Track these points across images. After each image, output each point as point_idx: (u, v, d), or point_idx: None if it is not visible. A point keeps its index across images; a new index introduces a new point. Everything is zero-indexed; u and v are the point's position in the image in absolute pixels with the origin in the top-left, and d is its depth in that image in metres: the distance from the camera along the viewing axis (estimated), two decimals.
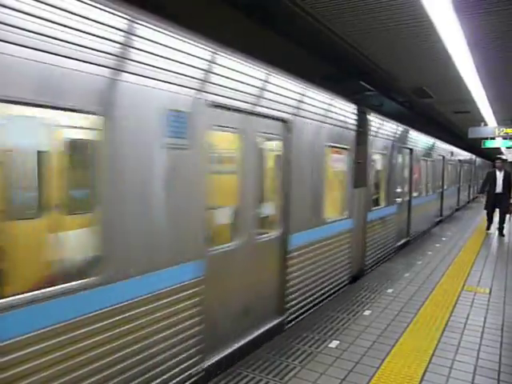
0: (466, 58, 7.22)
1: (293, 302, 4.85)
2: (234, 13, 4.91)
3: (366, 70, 8.27)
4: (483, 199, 12.25)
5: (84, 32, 2.41)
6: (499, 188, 11.36)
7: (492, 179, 11.55)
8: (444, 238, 10.66)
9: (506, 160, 12.86)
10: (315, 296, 5.39)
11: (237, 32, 4.90)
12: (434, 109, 13.32)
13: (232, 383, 3.49)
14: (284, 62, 4.83)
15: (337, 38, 6.39)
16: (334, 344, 4.26)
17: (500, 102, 11.79)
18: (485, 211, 12.04)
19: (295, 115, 4.72)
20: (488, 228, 11.93)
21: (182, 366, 3.24)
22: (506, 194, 11.36)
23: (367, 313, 5.17)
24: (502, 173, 11.47)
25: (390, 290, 6.10)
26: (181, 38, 3.13)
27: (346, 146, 6.17)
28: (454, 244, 9.83)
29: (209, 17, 4.74)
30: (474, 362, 3.93)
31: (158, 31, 2.93)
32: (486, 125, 14.79)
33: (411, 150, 9.98)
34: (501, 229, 11.48)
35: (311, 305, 5.29)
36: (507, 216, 11.58)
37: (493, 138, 15.01)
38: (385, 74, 8.80)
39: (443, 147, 14.31)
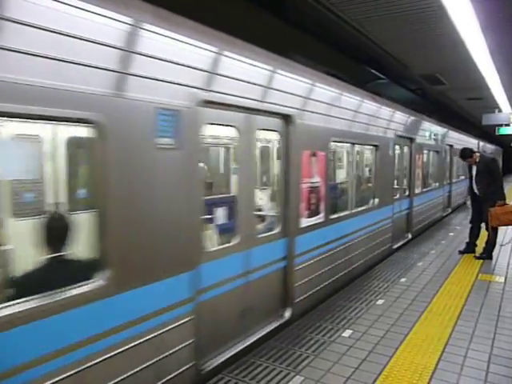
0: (479, 43, 7.05)
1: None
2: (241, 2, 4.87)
3: (376, 58, 8.16)
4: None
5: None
6: (475, 187, 7.60)
7: (469, 177, 7.79)
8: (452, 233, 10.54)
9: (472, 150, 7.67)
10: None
11: (244, 20, 4.86)
12: (447, 96, 13.11)
13: (246, 372, 3.52)
14: (290, 48, 4.79)
15: (346, 24, 6.30)
16: (347, 333, 4.27)
17: None
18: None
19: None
20: (467, 249, 7.69)
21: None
22: (486, 195, 7.23)
23: (380, 302, 5.16)
24: (476, 167, 7.55)
25: (403, 280, 6.07)
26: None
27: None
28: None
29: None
30: (489, 351, 3.90)
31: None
32: (500, 111, 14.52)
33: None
34: (473, 245, 7.69)
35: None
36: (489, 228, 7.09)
37: (507, 125, 14.73)
38: (396, 62, 8.67)
39: None
